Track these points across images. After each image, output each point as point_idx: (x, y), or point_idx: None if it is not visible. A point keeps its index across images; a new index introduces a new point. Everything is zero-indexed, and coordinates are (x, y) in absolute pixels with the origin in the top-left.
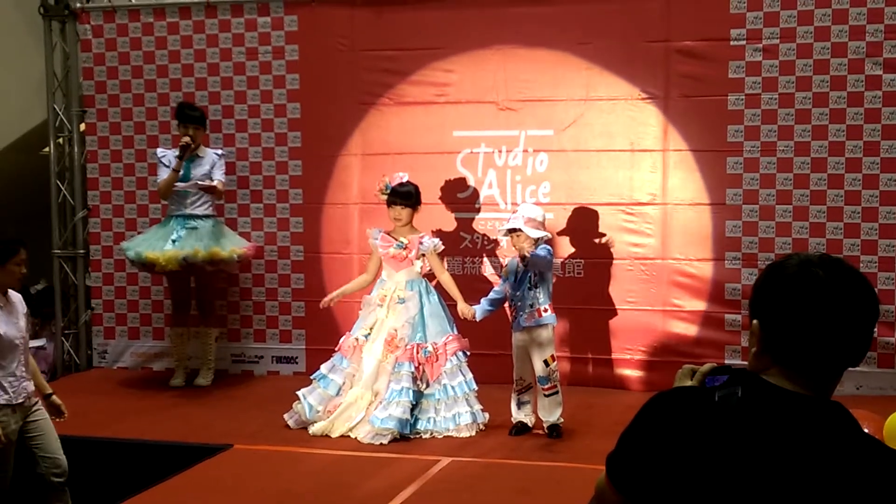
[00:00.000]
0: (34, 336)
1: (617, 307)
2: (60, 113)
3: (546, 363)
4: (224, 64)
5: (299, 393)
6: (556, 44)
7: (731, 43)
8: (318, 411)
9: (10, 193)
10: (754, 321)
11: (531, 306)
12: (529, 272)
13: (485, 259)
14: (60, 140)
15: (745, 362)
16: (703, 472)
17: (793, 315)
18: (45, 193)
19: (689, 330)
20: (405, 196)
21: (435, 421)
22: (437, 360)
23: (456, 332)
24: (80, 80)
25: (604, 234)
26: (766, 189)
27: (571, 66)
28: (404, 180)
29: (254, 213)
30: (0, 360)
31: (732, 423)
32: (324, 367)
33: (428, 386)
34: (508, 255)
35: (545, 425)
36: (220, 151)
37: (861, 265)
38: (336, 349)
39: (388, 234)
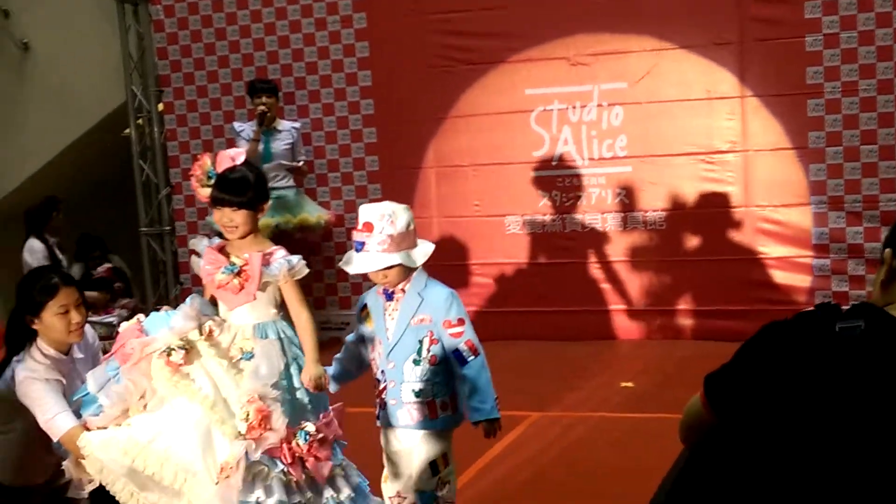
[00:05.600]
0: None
1: (701, 258)
2: (138, 94)
3: (434, 467)
4: (294, 36)
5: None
6: None
7: None
8: None
9: (96, 174)
10: (887, 249)
11: (417, 394)
12: (420, 334)
13: (565, 217)
14: (140, 120)
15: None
16: (814, 401)
17: None
18: (129, 173)
19: (777, 277)
20: (237, 189)
21: None
22: (325, 449)
23: (330, 408)
24: (155, 61)
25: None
26: (850, 130)
27: (643, 15)
28: (238, 161)
29: (332, 182)
30: None
31: (853, 355)
32: (94, 378)
33: (315, 493)
34: (590, 211)
35: None
36: (296, 124)
37: None
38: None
39: (223, 248)
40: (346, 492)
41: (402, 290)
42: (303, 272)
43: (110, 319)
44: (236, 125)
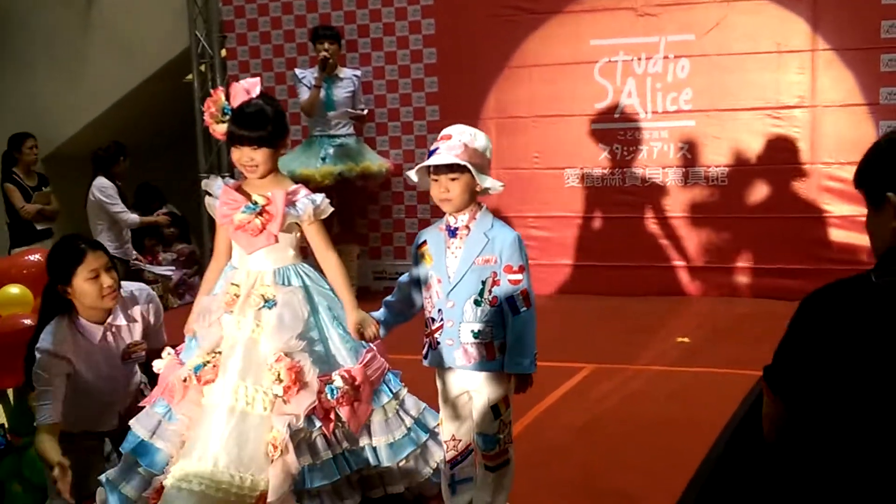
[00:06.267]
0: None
1: (763, 215)
2: (202, 39)
3: (496, 410)
4: None
5: (103, 478)
6: None
7: None
8: None
9: (157, 120)
10: (890, 195)
11: (476, 335)
12: (483, 275)
13: (625, 171)
14: (202, 66)
15: None
16: (871, 360)
17: None
18: (189, 119)
19: (840, 236)
20: (254, 124)
21: None
22: (357, 398)
23: (371, 345)
24: (219, 6)
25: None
26: None
27: None
28: (254, 93)
29: (391, 132)
30: None
31: None
32: (142, 425)
33: (351, 442)
34: (651, 166)
35: None
36: (357, 72)
37: None
38: (160, 390)
39: (240, 187)
40: (383, 438)
41: (467, 228)
42: (327, 211)
43: (167, 273)
44: (298, 72)
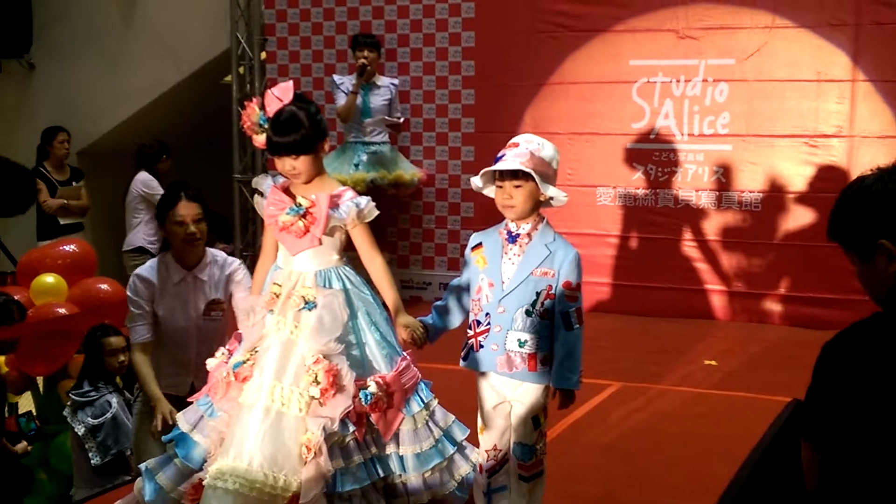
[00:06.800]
0: None
1: (795, 243)
2: (243, 41)
3: (536, 421)
4: None
5: (143, 466)
6: None
7: None
8: (172, 498)
9: (193, 120)
10: (883, 241)
11: (521, 345)
12: (539, 286)
13: (658, 192)
14: (241, 69)
15: None
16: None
17: None
18: (225, 120)
19: None
20: (288, 130)
21: None
22: (389, 405)
23: (405, 353)
24: (262, 9)
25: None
26: None
27: None
28: (286, 100)
29: (426, 142)
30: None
31: None
32: (186, 418)
33: (379, 448)
34: (684, 188)
35: None
36: (395, 81)
37: None
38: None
39: (287, 188)
40: (410, 448)
41: (528, 236)
42: (372, 214)
43: None
44: (336, 78)
